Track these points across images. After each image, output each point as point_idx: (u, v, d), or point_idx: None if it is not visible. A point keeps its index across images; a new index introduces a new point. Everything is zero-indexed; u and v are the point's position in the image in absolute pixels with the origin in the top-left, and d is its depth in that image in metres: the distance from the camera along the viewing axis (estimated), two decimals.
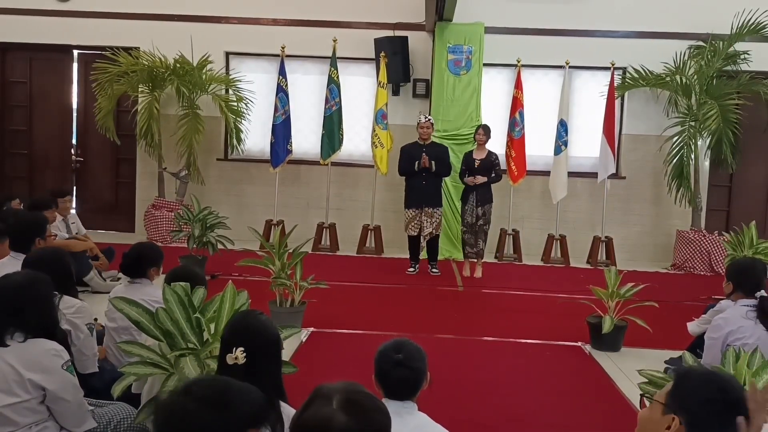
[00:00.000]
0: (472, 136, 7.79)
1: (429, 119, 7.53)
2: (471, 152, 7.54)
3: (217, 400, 1.54)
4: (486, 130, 7.58)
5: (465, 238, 7.59)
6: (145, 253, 3.91)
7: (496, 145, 8.81)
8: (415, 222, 7.49)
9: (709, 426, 1.75)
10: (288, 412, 2.28)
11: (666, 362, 4.59)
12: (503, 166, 8.68)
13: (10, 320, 2.66)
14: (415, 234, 7.54)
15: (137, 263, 3.87)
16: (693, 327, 4.48)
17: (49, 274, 3.28)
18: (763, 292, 3.78)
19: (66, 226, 6.64)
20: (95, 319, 3.69)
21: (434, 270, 7.64)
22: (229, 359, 2.23)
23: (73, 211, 7.31)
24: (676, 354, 4.53)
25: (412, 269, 7.60)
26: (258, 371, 2.26)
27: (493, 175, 7.45)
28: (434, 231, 7.52)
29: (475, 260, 7.61)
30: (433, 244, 7.69)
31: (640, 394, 1.99)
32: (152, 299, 3.46)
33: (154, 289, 3.75)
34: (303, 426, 1.44)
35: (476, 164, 7.44)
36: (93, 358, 3.40)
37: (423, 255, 7.79)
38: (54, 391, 2.63)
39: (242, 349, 2.24)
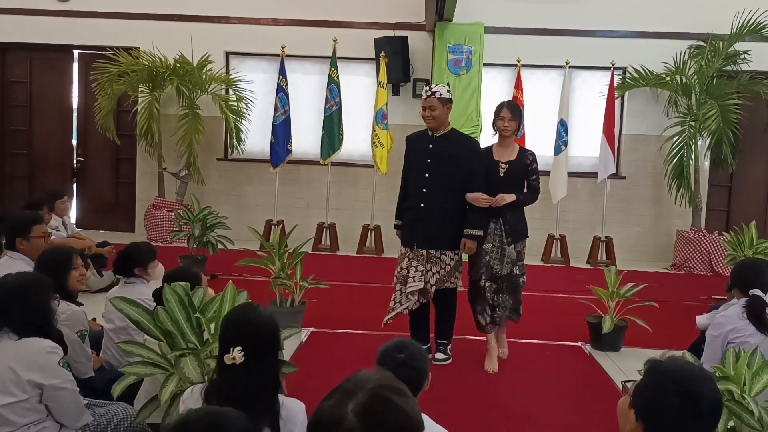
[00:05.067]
0: (492, 124, 4.75)
1: (433, 91, 4.59)
2: (491, 150, 4.76)
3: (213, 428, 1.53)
4: (514, 111, 4.68)
5: (481, 296, 4.67)
6: (130, 254, 3.95)
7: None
8: (411, 268, 4.61)
9: (664, 427, 1.64)
10: (286, 403, 2.29)
11: None
12: None
13: (1, 320, 2.68)
14: (416, 287, 4.58)
15: (123, 264, 3.92)
16: (702, 320, 4.40)
17: (50, 276, 3.28)
18: (756, 291, 3.65)
19: (65, 226, 6.65)
20: (93, 319, 3.69)
21: (439, 356, 4.74)
22: (227, 360, 2.20)
23: None
24: (677, 354, 4.51)
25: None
26: (257, 366, 2.24)
27: (525, 190, 4.69)
28: (444, 282, 4.60)
29: (496, 331, 4.81)
30: (444, 306, 4.77)
31: (622, 381, 1.92)
32: (147, 299, 3.47)
33: (148, 289, 3.76)
34: (317, 416, 1.36)
35: (501, 170, 4.65)
36: (88, 363, 3.41)
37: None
38: (51, 387, 2.64)
39: (240, 348, 2.21)
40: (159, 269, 4.03)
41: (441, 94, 4.59)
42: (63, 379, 2.69)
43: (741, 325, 3.56)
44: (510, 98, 8.64)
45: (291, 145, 8.62)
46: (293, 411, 2.28)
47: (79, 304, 3.49)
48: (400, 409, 1.31)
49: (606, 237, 8.67)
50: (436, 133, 4.70)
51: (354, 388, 1.34)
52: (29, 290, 2.80)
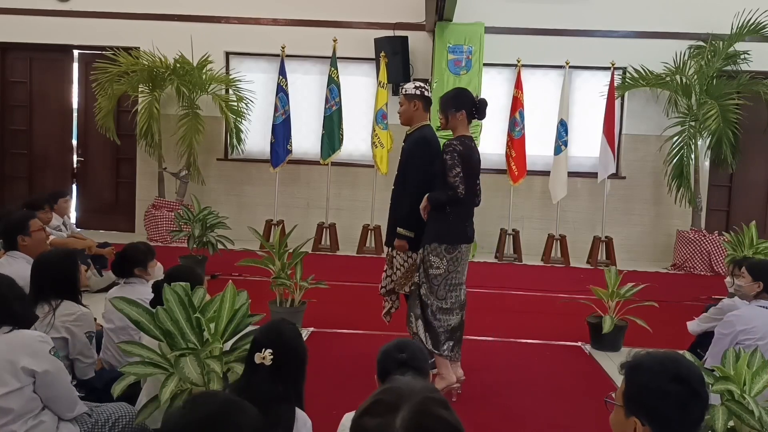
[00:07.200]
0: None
1: (404, 91, 4.50)
2: None
3: (218, 414, 1.52)
4: (445, 105, 4.24)
5: None
6: (128, 254, 3.97)
7: (497, 145, 8.83)
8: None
9: (672, 419, 1.64)
10: (298, 415, 2.37)
11: None
12: (503, 165, 8.71)
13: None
14: (381, 290, 4.57)
15: (121, 264, 3.95)
16: (693, 326, 4.45)
17: (52, 277, 3.30)
18: None
19: (65, 226, 6.65)
20: (94, 319, 3.69)
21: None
22: (257, 358, 2.33)
23: None
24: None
25: None
26: (282, 375, 2.35)
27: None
28: (402, 286, 4.39)
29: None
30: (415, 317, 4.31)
31: (605, 399, 1.87)
32: (147, 298, 3.47)
33: (148, 289, 3.76)
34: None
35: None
36: (91, 366, 3.42)
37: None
38: (44, 374, 2.68)
39: (270, 351, 2.32)
40: (158, 268, 4.04)
41: (407, 90, 4.45)
42: (55, 367, 2.73)
43: (753, 326, 3.54)
44: (510, 98, 8.67)
45: (291, 145, 8.62)
46: (300, 424, 2.38)
47: (84, 306, 3.49)
48: (448, 422, 1.24)
49: (606, 237, 8.67)
50: (408, 130, 4.60)
51: (397, 401, 1.24)
52: (11, 285, 2.88)
